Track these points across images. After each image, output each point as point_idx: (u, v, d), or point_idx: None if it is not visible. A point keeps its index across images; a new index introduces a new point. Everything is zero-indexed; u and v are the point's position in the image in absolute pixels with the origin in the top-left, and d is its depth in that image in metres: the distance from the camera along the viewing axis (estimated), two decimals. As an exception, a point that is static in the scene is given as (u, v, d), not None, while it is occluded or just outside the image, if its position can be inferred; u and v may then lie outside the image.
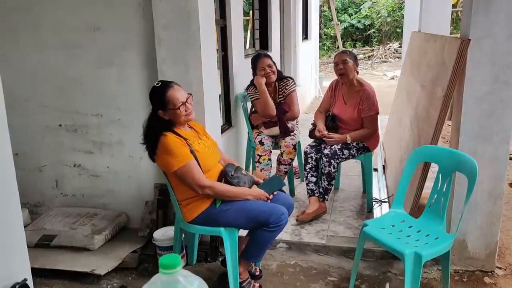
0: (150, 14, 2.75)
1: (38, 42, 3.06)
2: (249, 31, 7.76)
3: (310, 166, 3.39)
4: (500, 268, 2.74)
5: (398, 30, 17.64)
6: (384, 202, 3.54)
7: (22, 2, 3.01)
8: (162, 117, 2.33)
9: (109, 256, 2.83)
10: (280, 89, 3.68)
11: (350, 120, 3.40)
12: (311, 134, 3.58)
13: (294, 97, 3.67)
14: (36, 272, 2.57)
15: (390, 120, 4.86)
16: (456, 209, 2.60)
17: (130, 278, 2.77)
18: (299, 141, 3.74)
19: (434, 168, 2.64)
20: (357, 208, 3.56)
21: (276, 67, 3.65)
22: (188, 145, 2.32)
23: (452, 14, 7.37)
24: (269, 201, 2.45)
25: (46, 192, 3.36)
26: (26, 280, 1.55)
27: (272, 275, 2.75)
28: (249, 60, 3.82)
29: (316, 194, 3.37)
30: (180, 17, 2.66)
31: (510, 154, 2.86)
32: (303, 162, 3.51)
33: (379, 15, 18.17)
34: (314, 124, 3.57)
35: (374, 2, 18.41)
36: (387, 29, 18.40)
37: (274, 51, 5.72)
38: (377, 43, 18.69)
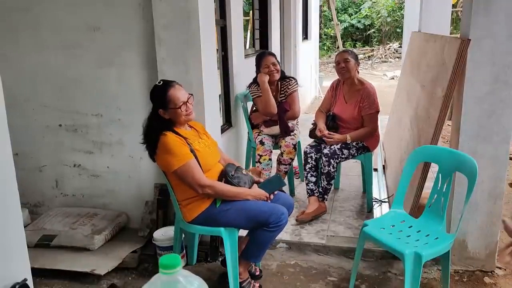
0: (150, 14, 2.75)
1: (38, 42, 3.06)
2: (249, 31, 7.76)
3: (310, 166, 3.39)
4: (500, 268, 2.74)
5: (398, 30, 17.63)
6: (384, 202, 3.54)
7: (22, 2, 3.01)
8: (163, 116, 2.33)
9: (109, 256, 2.83)
10: (282, 89, 3.69)
11: (351, 119, 3.40)
12: (311, 134, 3.58)
13: (295, 96, 3.67)
14: (36, 272, 2.57)
15: (390, 120, 4.86)
16: (456, 209, 2.60)
17: (130, 278, 2.77)
18: (299, 141, 3.74)
19: (434, 168, 2.64)
20: (357, 208, 3.56)
21: (280, 66, 3.66)
22: (188, 144, 2.32)
23: (452, 14, 7.37)
24: (269, 200, 2.45)
25: (46, 192, 3.36)
26: (26, 280, 1.55)
27: (272, 275, 2.75)
28: (249, 60, 3.83)
29: (316, 194, 3.37)
30: (180, 17, 2.66)
31: (510, 154, 2.86)
32: (303, 162, 3.52)
33: (379, 15, 18.16)
34: (314, 124, 3.57)
35: (374, 2, 18.40)
36: (387, 29, 18.40)
37: (274, 51, 5.69)
38: (377, 43, 18.69)
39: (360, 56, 16.57)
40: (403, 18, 11.86)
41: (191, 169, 2.26)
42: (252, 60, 3.79)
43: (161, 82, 2.37)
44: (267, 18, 5.55)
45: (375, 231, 2.36)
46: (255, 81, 3.68)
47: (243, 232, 2.54)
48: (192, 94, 2.40)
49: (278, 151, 3.61)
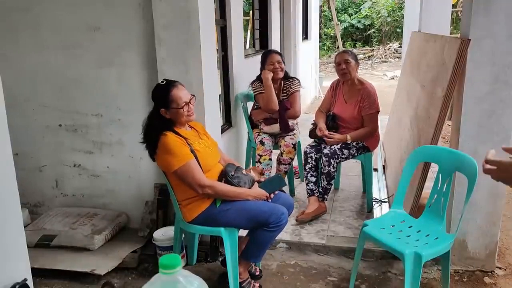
0: (150, 14, 2.75)
1: (38, 42, 3.06)
2: (249, 31, 7.76)
3: (310, 166, 3.40)
4: (500, 268, 2.74)
5: (398, 30, 17.63)
6: (384, 202, 3.54)
7: (22, 2, 3.01)
8: (164, 115, 2.34)
9: (109, 256, 2.83)
10: (285, 88, 3.70)
11: (351, 118, 3.40)
12: (311, 134, 3.58)
13: (297, 96, 3.69)
14: (36, 272, 2.57)
15: (390, 120, 4.86)
16: (456, 209, 2.60)
17: (130, 278, 2.77)
18: (299, 141, 3.74)
19: (434, 168, 2.64)
20: (357, 208, 3.56)
21: (284, 66, 3.68)
22: (189, 144, 2.32)
23: (452, 14, 7.37)
24: (269, 200, 2.45)
25: (46, 192, 3.36)
26: (26, 280, 1.55)
27: (272, 275, 2.74)
28: (249, 60, 3.83)
29: (316, 194, 3.37)
30: (180, 17, 2.66)
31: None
32: (303, 162, 3.52)
33: (379, 15, 18.16)
34: (314, 124, 3.57)
35: (374, 2, 18.40)
36: (387, 29, 18.39)
37: (275, 51, 5.71)
38: (377, 43, 18.68)
39: (360, 56, 16.58)
40: (403, 18, 11.85)
41: (191, 169, 2.26)
42: (252, 60, 3.80)
43: (164, 81, 2.37)
44: (267, 18, 5.56)
45: (375, 231, 2.36)
46: (258, 78, 3.70)
47: (243, 232, 2.54)
48: (194, 95, 2.40)
49: (278, 151, 3.61)
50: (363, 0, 18.95)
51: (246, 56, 4.38)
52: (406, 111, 3.76)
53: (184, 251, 2.85)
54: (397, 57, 16.65)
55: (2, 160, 1.48)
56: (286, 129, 3.60)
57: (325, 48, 18.64)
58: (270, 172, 3.53)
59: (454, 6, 9.14)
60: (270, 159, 3.53)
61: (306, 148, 3.47)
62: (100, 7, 2.90)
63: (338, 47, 16.81)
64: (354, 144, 3.35)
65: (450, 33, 7.12)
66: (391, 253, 2.29)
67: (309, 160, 3.40)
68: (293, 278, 2.71)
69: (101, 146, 3.17)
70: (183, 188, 2.35)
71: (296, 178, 4.11)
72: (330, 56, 17.45)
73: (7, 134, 1.51)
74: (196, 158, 2.31)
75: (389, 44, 18.05)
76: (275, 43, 5.79)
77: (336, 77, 3.58)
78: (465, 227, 2.64)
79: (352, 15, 19.26)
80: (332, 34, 18.67)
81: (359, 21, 18.80)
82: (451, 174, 2.37)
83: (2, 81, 1.51)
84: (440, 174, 2.40)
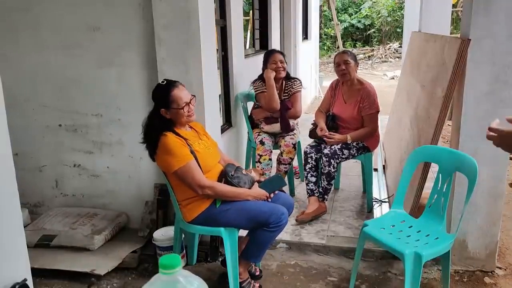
0: (150, 14, 2.75)
1: (38, 42, 3.06)
2: (249, 31, 7.76)
3: (310, 166, 3.40)
4: (500, 268, 2.74)
5: (398, 30, 17.63)
6: (384, 202, 3.54)
7: (22, 2, 3.01)
8: (164, 115, 2.33)
9: (109, 256, 2.83)
10: (287, 88, 3.71)
11: (350, 119, 3.40)
12: (311, 134, 3.58)
13: (298, 96, 3.70)
14: (36, 272, 2.57)
15: (390, 120, 4.86)
16: (456, 209, 2.60)
17: (130, 278, 2.77)
18: (299, 141, 3.74)
19: (434, 168, 2.63)
20: (357, 208, 3.56)
21: (286, 66, 3.68)
22: (188, 145, 2.32)
23: (452, 14, 7.36)
24: (269, 200, 2.45)
25: (46, 192, 3.36)
26: (26, 280, 1.55)
27: (272, 275, 2.74)
28: (249, 60, 3.83)
29: (316, 194, 3.37)
30: (180, 17, 2.66)
31: (510, 155, 2.86)
32: (303, 162, 3.52)
33: (379, 15, 18.16)
34: (314, 124, 3.57)
35: (374, 2, 18.40)
36: (387, 29, 18.40)
37: (274, 51, 5.71)
38: (377, 43, 18.68)
39: (360, 56, 16.60)
40: (403, 18, 11.85)
41: (191, 170, 2.26)
42: (252, 60, 3.80)
43: (165, 81, 2.37)
44: (267, 18, 5.56)
45: (375, 231, 2.36)
46: (260, 77, 3.71)
47: (243, 232, 2.54)
48: (194, 95, 2.40)
49: (278, 151, 3.61)
50: (363, 0, 18.95)
51: (246, 56, 4.38)
52: (406, 111, 3.76)
53: (184, 251, 2.85)
54: (397, 57, 16.66)
55: (2, 160, 1.48)
56: (287, 129, 3.61)
57: (325, 48, 18.64)
58: (270, 172, 3.53)
59: (454, 6, 9.14)
60: (270, 159, 3.53)
61: (306, 148, 3.47)
62: (100, 7, 2.90)
63: (338, 47, 16.81)
64: (354, 144, 3.35)
65: (450, 33, 7.11)
66: (391, 253, 2.28)
67: (309, 160, 3.40)
68: (293, 278, 2.71)
69: (101, 146, 3.17)
70: (183, 188, 2.35)
71: (296, 178, 4.11)
72: (330, 56, 17.45)
73: (7, 134, 1.51)
74: (196, 158, 2.31)
75: (389, 44, 18.05)
76: (275, 43, 5.79)
77: (336, 77, 3.58)
78: (465, 227, 2.64)
79: (352, 15, 19.26)
80: (332, 34, 18.67)
81: (359, 21, 18.80)
82: (451, 174, 2.37)
83: (2, 81, 1.51)
84: (440, 174, 2.40)
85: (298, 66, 7.44)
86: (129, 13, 2.87)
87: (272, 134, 3.68)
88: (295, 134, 3.65)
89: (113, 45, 2.95)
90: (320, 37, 15.45)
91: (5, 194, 1.50)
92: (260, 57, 3.85)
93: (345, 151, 3.31)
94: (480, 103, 2.46)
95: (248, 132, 3.84)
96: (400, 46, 15.91)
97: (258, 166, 3.49)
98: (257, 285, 2.56)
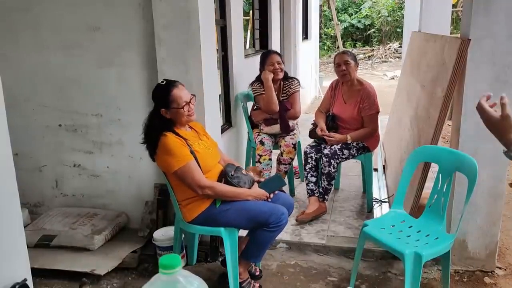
0: (150, 14, 2.75)
1: (38, 42, 3.06)
2: (249, 31, 7.76)
3: (310, 166, 3.40)
4: (500, 268, 2.74)
5: (398, 30, 17.63)
6: (384, 202, 3.54)
7: (22, 2, 3.01)
8: (164, 115, 2.33)
9: (109, 256, 2.83)
10: (285, 88, 3.70)
11: (350, 119, 3.40)
12: (311, 134, 3.58)
13: (297, 96, 3.69)
14: (36, 272, 2.57)
15: (390, 120, 4.86)
16: (456, 209, 2.60)
17: (130, 278, 2.77)
18: (299, 141, 3.74)
19: (434, 168, 2.63)
20: (357, 208, 3.56)
21: (284, 66, 3.67)
22: (188, 145, 2.32)
23: (452, 14, 7.36)
24: (269, 200, 2.45)
25: (46, 192, 3.36)
26: (26, 280, 1.55)
27: (272, 275, 2.74)
28: (249, 60, 3.83)
29: (316, 194, 3.37)
30: (180, 17, 2.66)
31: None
32: (303, 162, 3.52)
33: (379, 15, 18.16)
34: (314, 124, 3.57)
35: (374, 2, 18.40)
36: (387, 29, 18.39)
37: (274, 51, 5.71)
38: (377, 43, 18.68)
39: (360, 56, 16.59)
40: (403, 18, 11.85)
41: (191, 170, 2.26)
42: (252, 60, 3.80)
43: (164, 81, 2.37)
44: (267, 18, 5.55)
45: (375, 231, 2.36)
46: (257, 79, 3.69)
47: (243, 232, 2.54)
48: (194, 95, 2.40)
49: (278, 151, 3.61)
50: (363, 0, 18.95)
51: (246, 56, 4.38)
52: (406, 111, 3.76)
53: (184, 251, 2.85)
54: (397, 57, 16.65)
55: (2, 160, 1.48)
56: (287, 130, 3.60)
57: (325, 48, 18.64)
58: (270, 172, 3.53)
59: (454, 6, 9.14)
60: (270, 159, 3.53)
61: (306, 148, 3.47)
62: (100, 7, 2.90)
63: (338, 47, 16.82)
64: (354, 144, 3.35)
65: (450, 33, 7.11)
66: (391, 253, 2.29)
67: (309, 160, 3.40)
68: (293, 278, 2.71)
69: (101, 146, 3.17)
70: (183, 188, 2.35)
71: (296, 178, 4.11)
72: (330, 56, 17.45)
73: (7, 134, 1.51)
74: (196, 159, 2.31)
75: (389, 44, 18.05)
76: (275, 43, 5.79)
77: (336, 77, 3.58)
78: (465, 227, 2.64)
79: (352, 15, 19.26)
80: (332, 34, 18.67)
81: (359, 21, 18.80)
82: (451, 174, 2.37)
83: (2, 81, 1.51)
84: (440, 174, 2.40)
85: (298, 66, 7.44)
86: (129, 13, 2.87)
87: (272, 135, 3.68)
88: (295, 134, 3.65)
89: (113, 45, 2.95)
90: (320, 37, 15.45)
91: (5, 194, 1.50)
92: (260, 57, 3.84)
93: (345, 151, 3.31)
94: (480, 103, 2.46)
95: (248, 132, 3.84)
96: (400, 46, 15.91)
97: (258, 166, 3.49)
98: (257, 285, 2.56)
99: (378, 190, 3.81)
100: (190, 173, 2.26)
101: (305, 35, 8.91)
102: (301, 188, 3.87)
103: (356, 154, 3.38)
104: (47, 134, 3.23)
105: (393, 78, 12.95)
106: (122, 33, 2.92)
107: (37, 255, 2.75)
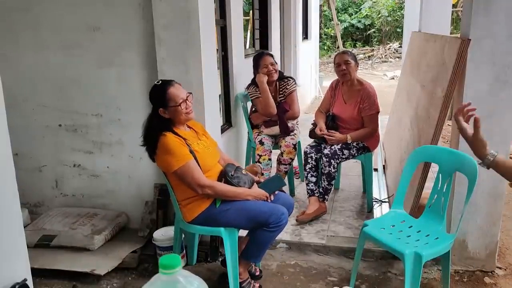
0: (150, 14, 2.75)
1: (38, 42, 3.06)
2: (249, 31, 7.76)
3: (310, 166, 3.39)
4: (500, 268, 2.74)
5: (398, 30, 17.63)
6: (384, 202, 3.54)
7: (22, 2, 3.01)
8: (163, 115, 2.34)
9: (109, 256, 2.83)
10: (281, 89, 3.69)
11: (350, 119, 3.40)
12: (311, 134, 3.58)
13: (294, 96, 3.68)
14: (36, 272, 2.57)
15: (390, 120, 4.86)
16: (456, 209, 2.60)
17: (130, 278, 2.76)
18: (299, 141, 3.74)
19: (434, 168, 2.63)
20: (357, 208, 3.56)
21: (277, 66, 3.66)
22: (187, 145, 2.32)
23: (452, 14, 7.36)
24: (269, 200, 2.45)
25: (46, 192, 3.36)
26: (26, 280, 1.55)
27: (272, 275, 2.74)
28: (249, 60, 3.82)
29: (316, 194, 3.37)
30: (180, 17, 2.66)
31: (510, 154, 2.86)
32: (303, 162, 3.52)
33: (379, 15, 18.16)
34: (314, 124, 3.57)
35: (374, 2, 18.40)
36: (387, 29, 18.39)
37: (274, 51, 5.71)
38: (377, 43, 18.68)
39: (360, 56, 16.59)
40: (403, 18, 11.85)
41: (191, 169, 2.26)
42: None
43: (160, 81, 2.37)
44: (267, 18, 5.55)
45: (375, 231, 2.36)
46: (253, 82, 3.68)
47: (243, 232, 2.54)
48: (191, 93, 2.40)
49: (278, 151, 3.61)
50: (363, 0, 18.94)
51: (246, 56, 4.38)
52: (406, 111, 3.76)
53: (184, 251, 2.85)
54: (397, 57, 16.65)
55: (2, 160, 1.48)
56: (286, 131, 3.59)
57: (325, 48, 18.64)
58: (270, 172, 3.53)
59: (454, 6, 9.14)
60: (270, 159, 3.53)
61: (306, 148, 3.47)
62: (100, 7, 2.90)
63: (338, 47, 16.82)
64: (354, 144, 3.35)
65: (450, 33, 7.11)
66: (391, 253, 2.29)
67: (309, 160, 3.40)
68: (293, 278, 2.71)
69: (101, 146, 3.17)
70: (183, 188, 2.35)
71: (296, 178, 4.11)
72: (330, 56, 17.45)
73: (7, 134, 1.51)
74: (195, 158, 2.31)
75: (389, 44, 18.05)
76: (275, 43, 5.79)
77: (336, 77, 3.58)
78: (465, 227, 2.64)
79: (352, 15, 19.26)
80: (332, 34, 18.67)
81: (359, 21, 18.80)
82: (451, 174, 2.37)
83: (2, 81, 1.51)
84: (440, 174, 2.40)
85: (298, 66, 7.44)
86: (129, 13, 2.87)
87: (272, 135, 3.67)
88: (295, 134, 3.64)
89: (113, 45, 2.95)
90: (320, 37, 15.45)
91: (5, 194, 1.50)
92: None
93: (345, 151, 3.31)
94: (480, 103, 2.45)
95: (248, 132, 3.84)
96: (400, 46, 15.91)
97: (255, 165, 3.48)
98: (257, 285, 2.56)
99: (378, 190, 3.81)
100: (190, 172, 2.26)
101: (305, 35, 8.91)
102: (301, 188, 3.87)
103: (356, 154, 3.38)
104: (47, 134, 3.23)
105: (393, 78, 12.95)
106: (122, 33, 2.92)
107: (37, 255, 2.75)
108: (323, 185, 3.32)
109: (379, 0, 18.22)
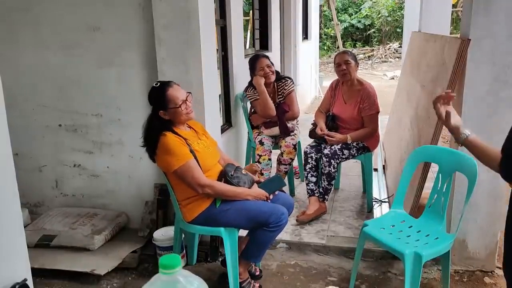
0: (150, 14, 2.75)
1: (38, 42, 3.06)
2: (249, 31, 7.76)
3: (310, 166, 3.39)
4: (500, 268, 2.74)
5: (398, 30, 17.63)
6: (384, 202, 3.54)
7: (22, 2, 3.01)
8: (163, 117, 2.33)
9: (109, 256, 2.83)
10: (279, 89, 3.68)
11: (350, 119, 3.40)
12: (311, 134, 3.58)
13: (293, 96, 3.67)
14: (36, 272, 2.57)
15: (390, 120, 4.86)
16: (456, 209, 2.60)
17: (130, 278, 2.77)
18: (299, 141, 3.74)
19: (434, 168, 2.63)
20: (357, 208, 3.56)
21: (274, 67, 3.65)
22: (188, 144, 2.32)
23: (452, 14, 7.37)
24: (269, 200, 2.45)
25: (46, 192, 3.36)
26: (26, 280, 1.55)
27: (272, 275, 2.74)
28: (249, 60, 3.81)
29: (316, 194, 3.37)
30: (180, 17, 2.66)
31: None
32: (303, 162, 3.52)
33: (379, 15, 18.16)
34: (314, 124, 3.57)
35: (374, 2, 18.40)
36: (387, 29, 18.39)
37: (274, 51, 5.72)
38: (377, 43, 18.68)
39: (360, 56, 16.59)
40: (403, 18, 11.84)
41: (191, 169, 2.26)
42: (252, 60, 3.78)
43: (158, 83, 2.36)
44: (267, 18, 5.56)
45: (375, 231, 2.36)
46: (250, 84, 3.67)
47: (243, 232, 2.54)
48: (190, 92, 2.40)
49: (277, 151, 3.61)
50: (363, 0, 18.94)
51: (246, 56, 4.38)
52: (406, 111, 3.76)
53: (184, 251, 2.85)
54: (397, 57, 16.65)
55: (2, 160, 1.48)
56: (286, 132, 3.59)
57: (325, 48, 18.64)
58: (270, 172, 3.53)
59: (454, 6, 9.14)
60: (270, 159, 3.53)
61: (306, 148, 3.47)
62: (100, 7, 2.90)
63: (338, 47, 16.81)
64: (354, 144, 3.35)
65: (450, 33, 7.12)
66: (391, 253, 2.29)
67: (309, 160, 3.40)
68: (293, 278, 2.71)
69: (101, 146, 3.17)
70: (183, 188, 2.35)
71: (296, 178, 4.11)
72: (330, 56, 17.44)
73: (7, 134, 1.51)
74: (196, 158, 2.31)
75: (389, 44, 18.05)
76: (275, 43, 5.79)
77: (336, 77, 3.58)
78: (465, 227, 2.64)
79: (352, 15, 19.26)
80: (332, 34, 18.66)
81: (359, 21, 18.80)
82: (451, 174, 2.37)
83: (2, 81, 1.51)
84: (440, 174, 2.40)
85: (298, 66, 7.44)
86: (129, 13, 2.87)
87: (272, 136, 3.67)
88: (295, 134, 3.64)
89: (113, 45, 2.95)
90: (320, 37, 15.45)
91: (5, 194, 1.50)
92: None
93: (345, 151, 3.31)
94: (480, 103, 2.46)
95: (248, 132, 3.84)
96: (400, 46, 15.90)
97: (254, 165, 3.48)
98: (257, 285, 2.56)
99: (378, 190, 3.81)
100: (190, 172, 2.26)
101: (305, 35, 8.91)
102: (301, 188, 3.87)
103: (356, 154, 3.38)
104: (47, 134, 3.23)
105: (393, 78, 12.95)
106: (122, 33, 2.92)
107: (37, 255, 2.75)
108: (323, 185, 3.32)
109: (379, 0, 18.22)
